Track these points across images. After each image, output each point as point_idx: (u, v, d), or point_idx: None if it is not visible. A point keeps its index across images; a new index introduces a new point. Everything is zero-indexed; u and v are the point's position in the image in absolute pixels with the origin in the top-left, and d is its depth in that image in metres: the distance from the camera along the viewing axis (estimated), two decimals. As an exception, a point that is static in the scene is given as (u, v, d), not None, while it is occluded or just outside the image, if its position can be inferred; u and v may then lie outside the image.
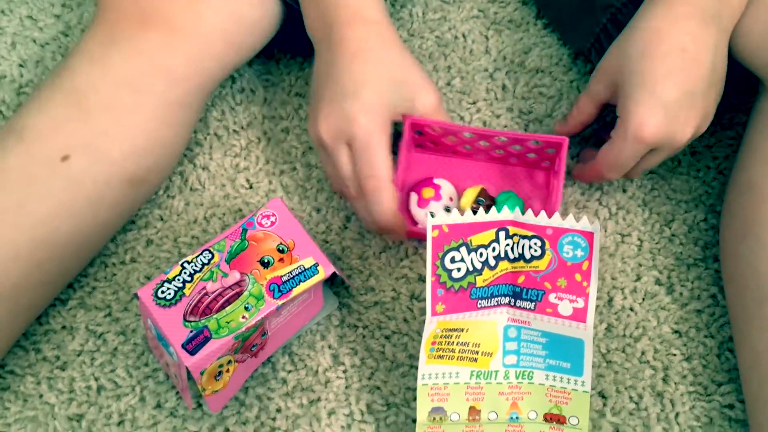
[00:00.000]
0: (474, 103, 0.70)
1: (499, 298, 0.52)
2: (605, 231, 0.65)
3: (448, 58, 0.72)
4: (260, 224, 0.57)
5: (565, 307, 0.51)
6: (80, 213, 0.56)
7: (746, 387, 0.55)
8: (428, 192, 0.63)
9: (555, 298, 0.51)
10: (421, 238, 0.59)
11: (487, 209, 0.51)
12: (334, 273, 0.56)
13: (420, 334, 0.61)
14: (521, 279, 0.51)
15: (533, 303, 0.52)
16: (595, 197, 0.66)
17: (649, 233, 0.66)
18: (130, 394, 0.60)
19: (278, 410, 0.59)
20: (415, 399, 0.56)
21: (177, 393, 0.59)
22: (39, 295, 0.57)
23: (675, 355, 0.61)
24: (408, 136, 0.61)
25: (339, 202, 0.66)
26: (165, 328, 0.52)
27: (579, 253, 0.50)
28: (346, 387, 0.60)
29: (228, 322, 0.53)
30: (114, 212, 0.59)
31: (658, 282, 0.64)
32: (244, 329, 0.53)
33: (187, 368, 0.51)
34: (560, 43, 0.72)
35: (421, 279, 0.64)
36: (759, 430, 0.54)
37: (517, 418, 0.54)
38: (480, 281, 0.51)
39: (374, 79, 0.56)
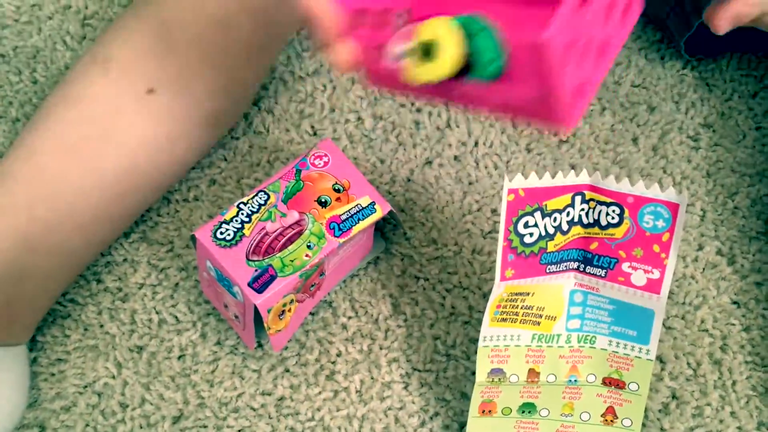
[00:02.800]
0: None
1: (568, 263, 0.50)
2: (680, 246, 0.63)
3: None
4: (313, 164, 0.55)
5: (639, 277, 0.49)
6: (159, 147, 0.54)
7: None
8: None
9: (629, 267, 0.49)
10: (385, 85, 0.43)
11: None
12: (387, 221, 0.54)
13: (480, 288, 0.59)
14: (594, 245, 0.49)
15: (604, 270, 0.49)
16: (659, 165, 0.64)
17: (712, 204, 0.63)
18: (191, 330, 0.59)
19: (338, 354, 0.57)
20: (475, 351, 0.55)
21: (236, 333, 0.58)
22: (112, 228, 0.56)
23: (734, 325, 0.59)
24: None
25: (404, 154, 0.64)
26: (228, 268, 0.50)
27: (660, 223, 0.47)
28: (407, 336, 0.58)
29: (292, 261, 0.51)
30: (189, 150, 0.57)
31: (719, 252, 0.61)
32: (308, 267, 0.51)
33: (255, 307, 0.50)
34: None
35: (483, 234, 0.62)
36: None
37: (575, 380, 0.52)
38: (551, 246, 0.49)
39: None
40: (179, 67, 0.53)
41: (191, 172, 0.64)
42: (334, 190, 0.54)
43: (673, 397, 0.57)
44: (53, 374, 0.57)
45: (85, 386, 0.57)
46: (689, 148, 0.65)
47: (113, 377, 0.57)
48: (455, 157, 0.64)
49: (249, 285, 0.50)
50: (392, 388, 0.57)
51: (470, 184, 0.63)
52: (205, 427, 0.55)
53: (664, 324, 0.59)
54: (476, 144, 0.65)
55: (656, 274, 0.48)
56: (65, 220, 0.52)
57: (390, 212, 0.55)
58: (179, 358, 0.58)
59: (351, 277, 0.60)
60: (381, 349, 0.58)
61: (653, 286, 0.48)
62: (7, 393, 0.52)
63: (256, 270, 0.51)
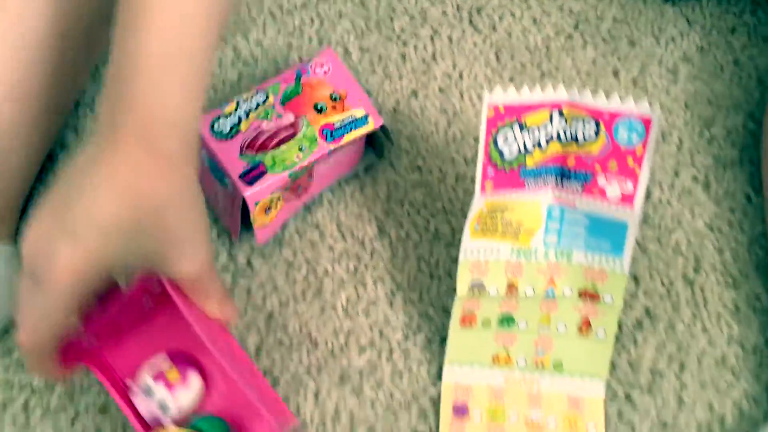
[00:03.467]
0: None
1: (546, 178, 0.52)
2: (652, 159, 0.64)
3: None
4: (314, 72, 0.56)
5: (614, 190, 0.50)
6: None
7: None
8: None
9: (604, 181, 0.50)
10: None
11: None
12: (379, 135, 0.55)
13: (463, 212, 0.61)
14: (571, 161, 0.50)
15: (581, 184, 0.51)
16: (639, 97, 0.65)
17: (689, 134, 0.65)
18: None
19: (326, 273, 0.59)
20: (456, 264, 0.56)
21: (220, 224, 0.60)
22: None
23: (707, 247, 0.61)
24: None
25: (390, 85, 0.65)
26: (223, 159, 0.52)
27: (634, 137, 0.49)
28: (392, 257, 0.60)
29: (283, 160, 0.52)
30: None
31: (695, 179, 0.63)
32: (297, 168, 0.53)
33: (243, 199, 0.51)
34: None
35: (467, 162, 0.63)
36: None
37: (552, 293, 0.54)
38: (530, 161, 0.51)
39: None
40: None
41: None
42: (331, 98, 0.55)
43: (647, 313, 0.59)
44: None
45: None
46: (668, 81, 0.66)
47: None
48: (440, 89, 0.66)
49: (240, 177, 0.52)
50: (377, 304, 0.58)
51: (454, 114, 0.65)
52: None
53: (640, 246, 0.61)
54: (461, 76, 0.66)
55: (630, 187, 0.49)
56: None
57: (382, 127, 0.56)
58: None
59: (338, 201, 0.61)
60: (367, 268, 0.59)
61: (627, 199, 0.50)
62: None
63: (248, 164, 0.52)
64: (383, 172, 0.62)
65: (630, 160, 0.49)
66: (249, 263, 0.59)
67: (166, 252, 0.44)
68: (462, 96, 0.65)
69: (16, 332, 0.45)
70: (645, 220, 0.61)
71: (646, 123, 0.47)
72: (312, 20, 0.68)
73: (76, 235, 0.41)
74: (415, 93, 0.65)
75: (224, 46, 0.66)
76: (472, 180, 0.62)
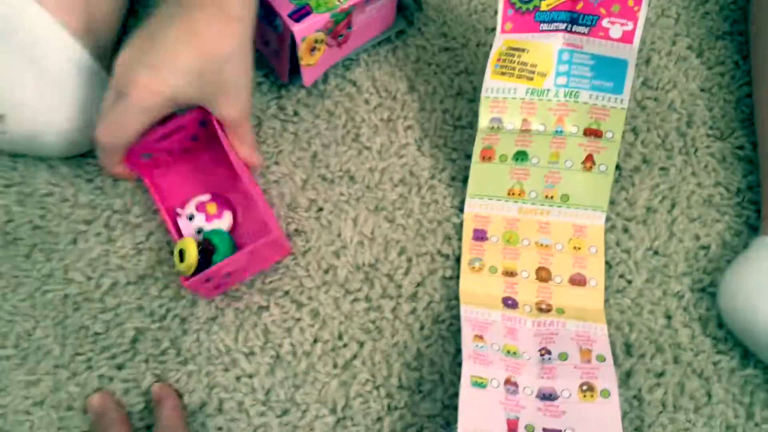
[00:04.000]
0: None
1: (557, 24, 0.59)
2: (649, 4, 0.71)
3: None
4: None
5: (616, 30, 0.57)
6: None
7: (760, 117, 0.63)
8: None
9: (608, 22, 0.58)
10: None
11: (209, 254, 0.58)
12: None
13: (483, 74, 0.68)
14: (579, 5, 0.58)
15: (587, 28, 0.58)
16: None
17: (685, 9, 0.72)
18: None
19: (362, 121, 0.67)
20: (477, 110, 0.64)
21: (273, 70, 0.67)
22: None
23: (698, 105, 0.68)
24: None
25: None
26: (274, 3, 0.60)
27: (635, -20, 0.56)
28: (420, 109, 0.68)
29: (326, 2, 0.60)
30: None
31: (690, 48, 0.70)
32: (338, 10, 0.61)
33: (292, 35, 0.60)
34: None
35: (487, 31, 0.70)
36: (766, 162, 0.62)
37: (561, 131, 0.62)
38: (544, 5, 0.58)
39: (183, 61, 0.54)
40: None
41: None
42: None
43: (644, 160, 0.66)
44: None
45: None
46: (668, -36, 0.73)
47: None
48: (464, -31, 0.73)
49: (289, 15, 0.60)
50: (407, 148, 0.66)
51: (476, -10, 0.72)
52: (255, 174, 0.65)
53: (638, 104, 0.68)
54: (482, -43, 0.73)
55: (630, 26, 0.57)
56: None
57: None
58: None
59: (373, 61, 0.69)
60: (398, 118, 0.67)
61: (627, 37, 0.57)
62: (91, 93, 0.61)
63: (295, 6, 0.60)
64: (413, 38, 0.70)
65: (630, 2, 0.56)
66: (295, 113, 0.67)
67: (219, 97, 0.56)
68: (483, -25, 0.73)
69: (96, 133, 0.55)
70: (644, 82, 0.69)
71: (646, -34, 0.55)
72: None
73: (157, 69, 0.53)
74: (441, -29, 0.73)
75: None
76: (491, 46, 0.70)
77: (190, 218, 0.61)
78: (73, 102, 0.60)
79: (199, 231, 0.61)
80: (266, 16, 0.62)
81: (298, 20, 0.60)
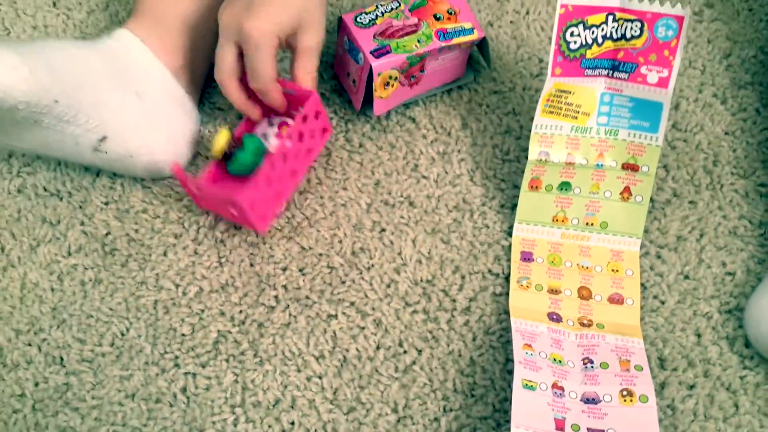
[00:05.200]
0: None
1: (600, 70, 0.65)
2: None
3: None
4: None
5: (653, 77, 0.64)
6: None
7: None
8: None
9: (645, 69, 0.64)
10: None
11: (232, 153, 0.66)
12: (476, 54, 0.70)
13: (529, 115, 0.75)
14: (620, 54, 0.64)
15: (627, 74, 0.65)
16: (670, 33, 0.79)
17: (710, 62, 0.78)
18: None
19: (420, 153, 0.73)
20: (525, 157, 0.70)
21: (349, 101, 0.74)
22: None
23: (723, 147, 0.74)
24: None
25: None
26: (359, 41, 0.68)
27: (670, 33, 0.62)
28: (473, 144, 0.74)
29: (404, 46, 0.68)
30: None
31: (714, 96, 0.76)
32: (415, 54, 0.68)
33: (370, 68, 0.67)
34: None
35: (532, 77, 0.77)
36: None
37: (601, 165, 0.68)
38: (589, 54, 0.64)
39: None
40: None
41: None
42: (448, 12, 0.70)
43: (674, 194, 0.72)
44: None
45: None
46: (695, 21, 0.80)
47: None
48: (511, 21, 0.80)
49: (371, 52, 0.67)
50: (461, 178, 0.72)
51: (522, 40, 0.79)
52: (323, 196, 0.71)
53: (669, 145, 0.74)
54: (528, 12, 0.80)
55: (665, 73, 0.63)
56: None
57: (483, 39, 0.71)
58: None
59: (430, 101, 0.75)
60: (453, 152, 0.73)
61: (663, 82, 0.63)
62: (184, 123, 0.69)
63: (378, 45, 0.67)
64: (467, 80, 0.76)
65: (666, 52, 0.62)
66: (361, 144, 0.74)
67: (305, 29, 0.64)
68: (528, 27, 0.79)
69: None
70: (674, 126, 0.75)
71: (680, 20, 0.61)
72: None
73: (259, 15, 0.62)
74: (491, 23, 0.80)
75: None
76: (536, 90, 0.76)
77: (268, 124, 0.69)
78: (166, 129, 0.67)
79: (265, 137, 0.69)
80: (350, 50, 0.69)
81: (378, 57, 0.67)
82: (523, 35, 0.79)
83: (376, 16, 0.69)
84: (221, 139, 0.65)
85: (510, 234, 0.70)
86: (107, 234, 0.69)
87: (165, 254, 0.68)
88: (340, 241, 0.69)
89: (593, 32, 0.63)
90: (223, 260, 0.68)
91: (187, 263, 0.68)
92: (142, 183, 0.71)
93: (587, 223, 0.69)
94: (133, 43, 0.67)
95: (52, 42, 0.63)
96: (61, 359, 0.64)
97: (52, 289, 0.67)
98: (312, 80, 0.67)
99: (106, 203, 0.70)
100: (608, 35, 0.64)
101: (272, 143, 0.67)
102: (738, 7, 0.81)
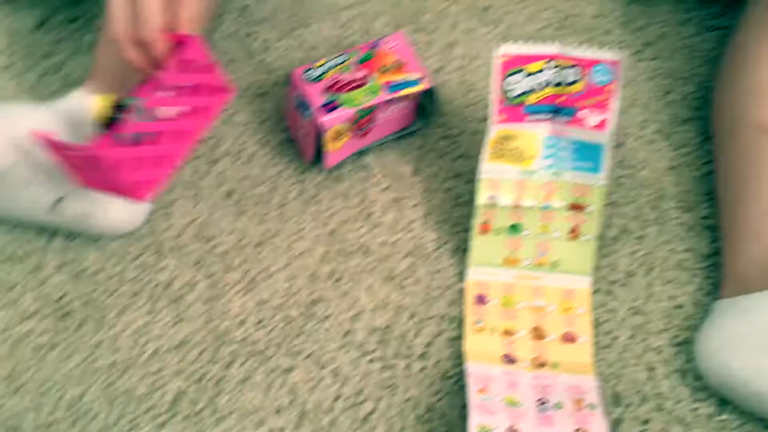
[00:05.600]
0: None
1: (542, 115, 0.67)
2: (620, 96, 0.79)
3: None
4: (385, 45, 0.72)
5: (593, 120, 0.65)
6: None
7: (720, 192, 0.70)
8: None
9: (585, 113, 0.65)
10: None
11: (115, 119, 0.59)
12: (425, 101, 0.71)
13: (477, 157, 0.76)
14: (561, 99, 0.66)
15: (568, 118, 0.66)
16: (613, 72, 0.81)
17: (652, 99, 0.80)
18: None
19: (374, 201, 0.74)
20: (473, 191, 0.71)
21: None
22: None
23: (668, 181, 0.75)
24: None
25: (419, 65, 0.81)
26: (309, 96, 0.68)
27: (607, 78, 0.64)
28: (425, 189, 0.75)
29: (353, 100, 0.68)
30: None
31: (658, 132, 0.78)
32: (363, 107, 0.69)
33: (320, 124, 0.67)
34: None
35: (479, 121, 0.78)
36: (728, 223, 0.69)
37: (548, 206, 0.69)
38: (530, 100, 0.66)
39: None
40: None
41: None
42: (395, 64, 0.71)
43: (622, 230, 0.73)
44: (164, 214, 0.73)
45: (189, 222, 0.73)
46: (636, 60, 0.82)
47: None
48: (458, 67, 0.81)
49: (320, 107, 0.68)
50: (415, 224, 0.73)
51: (470, 85, 0.80)
52: (279, 248, 0.71)
53: (615, 181, 0.75)
54: (474, 57, 0.82)
55: (604, 116, 0.64)
56: None
57: (432, 88, 0.72)
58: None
59: (382, 149, 0.76)
60: (406, 197, 0.74)
61: (602, 125, 0.65)
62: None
63: (327, 100, 0.68)
64: (416, 127, 0.78)
65: (604, 96, 0.64)
66: (315, 194, 0.74)
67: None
68: (475, 72, 0.81)
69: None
70: (619, 163, 0.76)
71: (617, 65, 0.63)
72: (358, 16, 0.84)
73: None
74: (439, 70, 0.81)
75: (291, 34, 0.82)
76: (484, 133, 0.77)
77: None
78: None
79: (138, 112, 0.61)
80: (300, 105, 0.70)
81: (327, 111, 0.68)
82: (471, 80, 0.81)
83: (325, 70, 0.70)
84: (102, 103, 0.59)
85: (464, 277, 0.71)
86: (62, 297, 0.69)
87: (121, 314, 0.68)
88: (297, 292, 0.69)
89: (533, 79, 0.65)
90: (179, 318, 0.68)
91: (143, 322, 0.68)
92: (97, 242, 0.71)
93: (538, 263, 0.70)
94: (89, 103, 0.67)
95: (9, 106, 0.63)
96: (17, 428, 0.64)
97: (7, 357, 0.66)
98: (192, 26, 0.61)
99: (61, 265, 0.70)
100: (548, 81, 0.65)
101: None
102: (676, 45, 0.83)
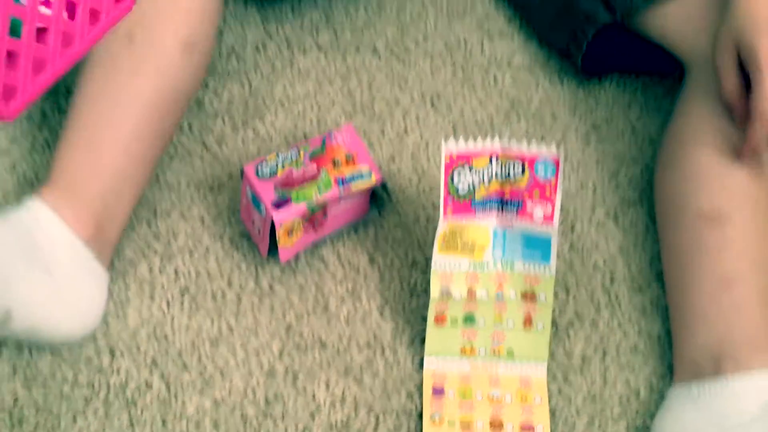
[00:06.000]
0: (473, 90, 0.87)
1: (490, 207, 0.68)
2: (569, 179, 0.81)
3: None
4: (335, 139, 0.73)
5: (538, 212, 0.67)
6: (157, 75, 0.69)
7: (666, 277, 0.72)
8: None
9: (531, 206, 0.67)
10: None
11: None
12: (378, 190, 0.73)
13: (432, 245, 0.77)
14: (507, 193, 0.67)
15: (515, 210, 0.67)
16: (561, 155, 0.83)
17: (601, 182, 0.82)
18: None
19: (330, 293, 0.74)
20: (429, 280, 0.71)
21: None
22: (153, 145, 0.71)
23: (619, 264, 0.77)
24: None
25: (373, 153, 0.82)
26: (261, 192, 0.69)
27: (549, 172, 0.66)
28: (380, 279, 0.75)
29: (305, 196, 0.69)
30: (180, 76, 0.71)
31: (607, 215, 0.80)
32: (315, 202, 0.70)
33: (272, 220, 0.68)
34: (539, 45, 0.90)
35: (433, 207, 0.79)
36: (675, 309, 0.70)
37: (501, 296, 0.70)
38: (477, 194, 0.67)
39: None
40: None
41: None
42: (346, 157, 0.72)
43: (576, 315, 0.74)
44: (117, 315, 0.72)
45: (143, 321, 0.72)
46: (583, 144, 0.84)
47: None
48: (411, 155, 0.83)
49: (272, 204, 0.68)
50: (371, 315, 0.73)
51: (423, 173, 0.82)
52: (235, 345, 0.71)
53: (567, 265, 0.76)
54: (427, 145, 0.83)
55: (549, 209, 0.66)
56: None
57: (383, 184, 0.73)
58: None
59: (337, 239, 0.77)
60: (362, 288, 0.75)
61: (548, 218, 0.66)
62: (93, 293, 0.67)
63: (279, 196, 0.69)
64: (371, 215, 0.78)
65: (548, 190, 0.65)
66: (271, 288, 0.74)
67: None
68: (428, 160, 0.82)
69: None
70: (571, 247, 0.77)
71: (556, 162, 0.65)
72: (312, 107, 0.85)
73: None
74: (393, 158, 0.82)
75: (246, 126, 0.83)
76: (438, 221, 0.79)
77: None
78: (75, 302, 0.66)
79: None
80: (253, 200, 0.70)
81: (278, 207, 0.69)
82: (424, 168, 0.82)
83: (276, 165, 0.71)
84: None
85: (421, 367, 0.71)
86: (14, 403, 0.67)
87: (74, 420, 0.66)
88: (253, 391, 0.69)
89: (479, 174, 0.66)
90: (134, 421, 0.67)
91: (97, 428, 0.66)
92: (51, 348, 0.70)
93: (494, 352, 0.70)
94: (44, 214, 0.66)
95: None
96: None
97: (-45, 469, 0.65)
98: None
99: (14, 371, 0.69)
100: (494, 175, 0.67)
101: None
102: (622, 128, 0.85)
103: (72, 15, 0.50)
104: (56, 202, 0.67)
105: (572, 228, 0.79)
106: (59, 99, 0.83)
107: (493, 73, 0.88)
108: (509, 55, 0.90)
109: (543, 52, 0.90)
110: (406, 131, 0.84)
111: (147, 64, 0.69)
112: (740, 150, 0.67)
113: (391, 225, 0.78)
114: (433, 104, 0.87)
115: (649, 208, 0.80)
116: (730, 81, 0.67)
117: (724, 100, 0.68)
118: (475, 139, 0.66)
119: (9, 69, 0.46)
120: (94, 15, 0.52)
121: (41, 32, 0.49)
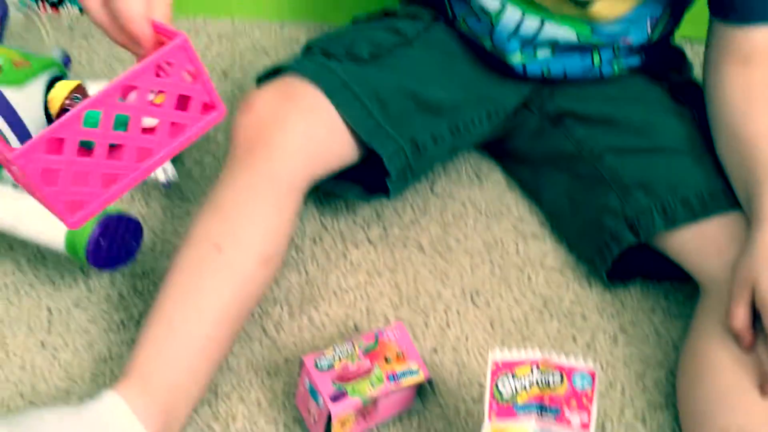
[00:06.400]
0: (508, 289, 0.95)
1: (531, 410, 0.73)
2: (598, 379, 0.86)
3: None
4: (387, 335, 0.81)
5: (575, 420, 0.72)
6: (238, 284, 0.77)
7: None
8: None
9: (568, 413, 0.72)
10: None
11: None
12: (424, 384, 0.78)
13: (472, 438, 0.81)
14: (546, 399, 0.73)
15: (554, 415, 0.72)
16: (590, 356, 0.89)
17: (628, 383, 0.87)
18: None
19: (375, 482, 0.78)
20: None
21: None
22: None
23: (648, 467, 0.81)
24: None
25: (416, 344, 0.88)
26: (319, 385, 0.75)
27: (586, 383, 0.71)
28: (422, 471, 0.79)
29: (359, 390, 0.75)
30: (257, 285, 0.80)
31: (635, 416, 0.84)
32: (368, 397, 0.75)
33: (329, 414, 0.73)
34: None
35: (474, 400, 0.84)
36: None
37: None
38: (519, 399, 0.73)
39: None
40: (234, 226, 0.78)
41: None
42: (397, 354, 0.79)
43: None
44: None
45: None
46: (611, 345, 0.90)
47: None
48: (453, 348, 0.89)
49: (330, 397, 0.74)
50: (413, 507, 0.76)
51: (463, 365, 0.88)
52: None
53: (599, 465, 0.80)
54: (467, 339, 0.90)
55: (585, 418, 0.71)
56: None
57: (429, 379, 0.79)
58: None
59: (383, 427, 0.81)
60: (404, 479, 0.78)
61: (585, 425, 0.71)
62: None
63: (336, 390, 0.75)
64: (415, 407, 0.83)
65: (584, 399, 0.71)
66: (319, 473, 0.78)
67: None
68: (468, 353, 0.89)
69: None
70: (602, 446, 0.82)
71: (592, 374, 0.71)
72: (362, 297, 0.93)
73: None
74: (435, 350, 0.89)
75: (302, 314, 0.90)
76: (477, 414, 0.83)
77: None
78: None
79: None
80: (311, 391, 0.77)
81: (335, 401, 0.75)
82: (464, 361, 0.88)
83: (333, 358, 0.78)
84: (62, 90, 0.45)
85: None
86: None
87: None
88: None
89: (521, 381, 0.72)
90: None
91: None
92: None
93: None
94: (119, 409, 0.70)
95: (40, 413, 0.68)
96: None
97: None
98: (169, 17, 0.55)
99: None
100: (534, 382, 0.73)
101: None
102: (647, 332, 0.92)
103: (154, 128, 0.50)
104: (130, 396, 0.71)
105: (602, 428, 0.83)
106: (135, 281, 0.91)
107: (528, 273, 0.96)
108: (542, 256, 0.98)
109: (573, 256, 0.99)
110: (447, 325, 0.91)
111: (231, 274, 0.77)
112: (762, 387, 0.72)
113: (433, 416, 0.83)
114: (472, 300, 0.94)
115: (675, 414, 0.85)
116: (741, 313, 0.74)
117: (733, 329, 0.75)
118: (515, 342, 0.73)
119: (72, 185, 0.46)
120: (177, 128, 0.51)
121: (115, 148, 0.50)
